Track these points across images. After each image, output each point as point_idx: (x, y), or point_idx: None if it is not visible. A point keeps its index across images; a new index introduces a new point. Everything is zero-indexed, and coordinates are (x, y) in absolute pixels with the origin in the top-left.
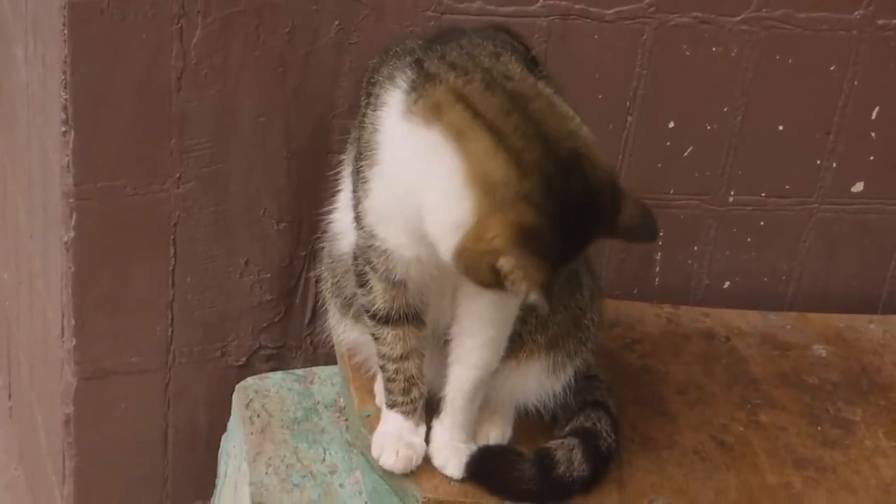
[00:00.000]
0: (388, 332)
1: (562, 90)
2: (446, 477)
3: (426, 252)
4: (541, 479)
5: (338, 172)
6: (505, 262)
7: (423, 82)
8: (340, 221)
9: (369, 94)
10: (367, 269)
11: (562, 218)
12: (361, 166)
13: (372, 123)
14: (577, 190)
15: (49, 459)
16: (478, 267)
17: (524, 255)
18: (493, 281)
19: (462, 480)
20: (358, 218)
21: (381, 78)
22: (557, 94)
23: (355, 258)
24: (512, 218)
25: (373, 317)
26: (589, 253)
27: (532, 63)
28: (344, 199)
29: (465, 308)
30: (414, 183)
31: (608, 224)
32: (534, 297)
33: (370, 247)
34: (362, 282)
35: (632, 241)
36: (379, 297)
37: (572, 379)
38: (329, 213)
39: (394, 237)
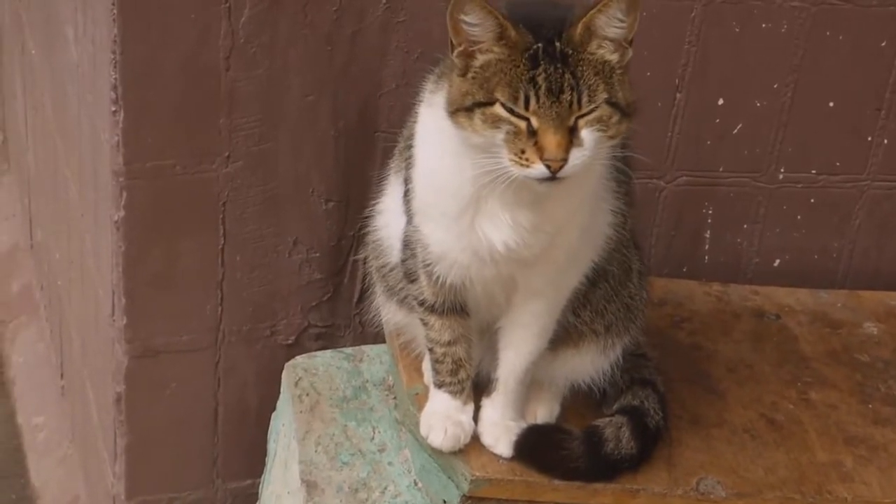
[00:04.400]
0: (435, 320)
1: None
2: (495, 455)
3: (469, 254)
4: (589, 456)
5: (384, 175)
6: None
7: (441, 71)
8: (388, 228)
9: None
10: (416, 264)
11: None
12: (407, 169)
13: (412, 122)
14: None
15: (101, 437)
16: (454, 86)
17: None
18: (465, 81)
19: (511, 459)
20: (408, 215)
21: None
22: None
23: (404, 251)
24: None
25: (421, 304)
26: (635, 230)
27: None
28: (388, 203)
29: (519, 304)
30: (443, 147)
31: (583, 12)
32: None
33: (419, 243)
34: (412, 278)
35: (609, 6)
36: (427, 290)
37: (620, 357)
38: (375, 207)
39: (438, 234)
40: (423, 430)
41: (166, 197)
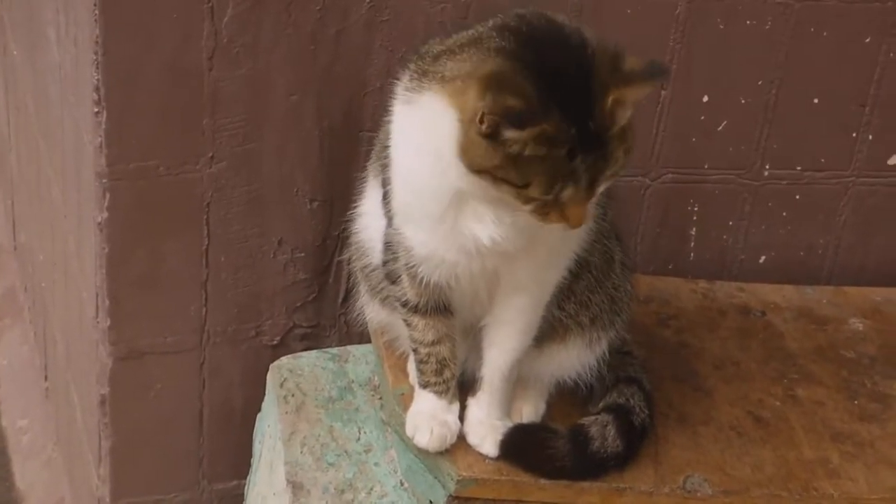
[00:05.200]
0: (419, 321)
1: None
2: (482, 455)
3: (454, 252)
4: (575, 455)
5: (363, 176)
6: (484, 107)
7: (419, 67)
8: (368, 230)
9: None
10: (399, 267)
11: (539, 60)
12: (385, 170)
13: (388, 120)
14: (555, 40)
15: (85, 439)
16: (475, 144)
17: (498, 91)
18: (495, 153)
19: (497, 458)
20: (388, 217)
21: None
22: None
23: (386, 252)
24: (484, 72)
25: (404, 305)
26: (617, 225)
27: None
28: (368, 205)
29: (502, 301)
30: (422, 147)
31: (609, 71)
32: (532, 136)
33: (400, 245)
34: (394, 279)
35: (645, 83)
36: (409, 291)
37: (606, 351)
38: (356, 209)
39: (421, 236)
40: (408, 431)
41: (150, 198)
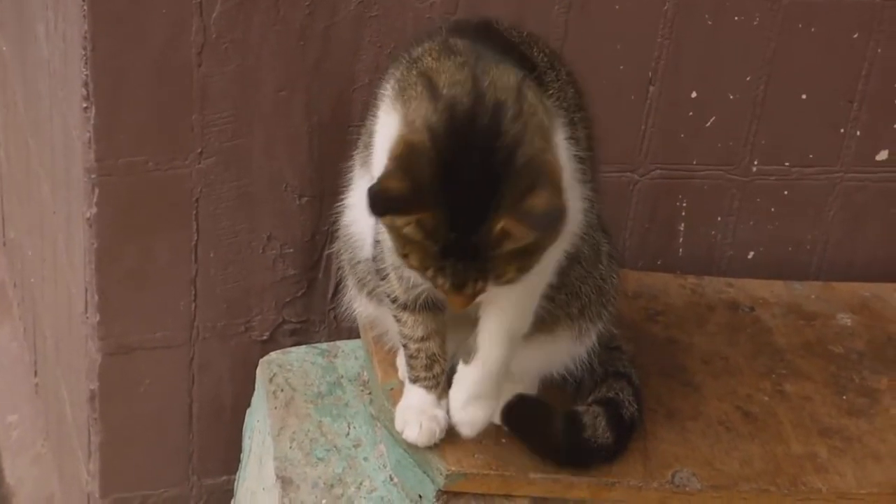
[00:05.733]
0: (408, 317)
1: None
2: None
3: None
4: (570, 438)
5: (351, 165)
6: (380, 176)
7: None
8: (357, 224)
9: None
10: (386, 265)
11: (459, 149)
12: (371, 171)
13: (372, 127)
14: (483, 137)
15: (75, 435)
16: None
17: (397, 166)
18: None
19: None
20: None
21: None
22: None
23: (375, 248)
24: (405, 140)
25: (393, 301)
26: (605, 219)
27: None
28: (355, 198)
29: (489, 297)
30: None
31: (513, 197)
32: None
33: (385, 244)
34: (382, 275)
35: (529, 230)
36: (398, 289)
37: (596, 343)
38: (344, 201)
39: None
40: (398, 425)
41: (139, 194)
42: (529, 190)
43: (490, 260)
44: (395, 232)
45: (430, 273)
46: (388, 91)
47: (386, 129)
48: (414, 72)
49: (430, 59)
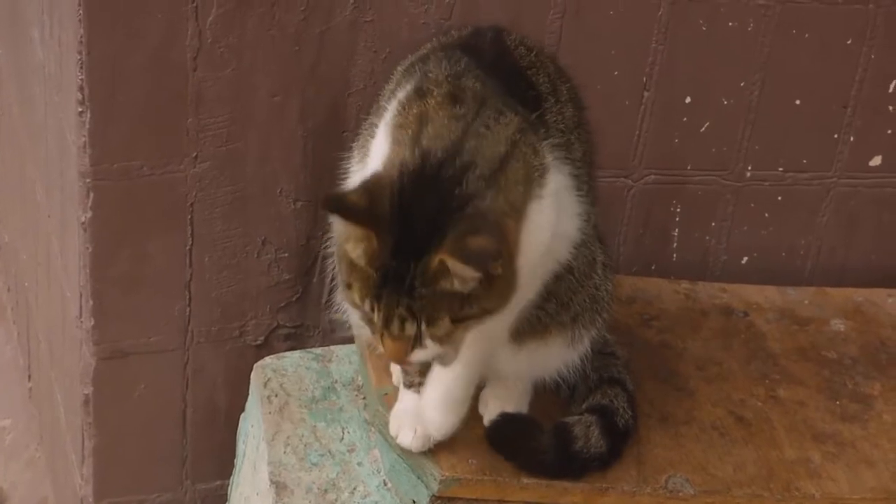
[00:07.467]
0: None
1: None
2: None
3: None
4: (558, 453)
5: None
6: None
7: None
8: None
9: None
10: None
11: (412, 194)
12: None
13: (367, 136)
14: (444, 185)
15: (69, 439)
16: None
17: (364, 187)
18: (340, 233)
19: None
20: None
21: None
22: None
23: None
24: (381, 171)
25: None
26: (599, 226)
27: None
28: None
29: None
30: None
31: (457, 234)
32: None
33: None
34: None
35: (466, 265)
36: None
37: (589, 349)
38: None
39: None
40: (392, 430)
41: (133, 198)
42: (473, 232)
43: (423, 298)
44: (345, 259)
45: (367, 305)
46: (390, 111)
47: (378, 147)
48: (414, 110)
49: (432, 100)
